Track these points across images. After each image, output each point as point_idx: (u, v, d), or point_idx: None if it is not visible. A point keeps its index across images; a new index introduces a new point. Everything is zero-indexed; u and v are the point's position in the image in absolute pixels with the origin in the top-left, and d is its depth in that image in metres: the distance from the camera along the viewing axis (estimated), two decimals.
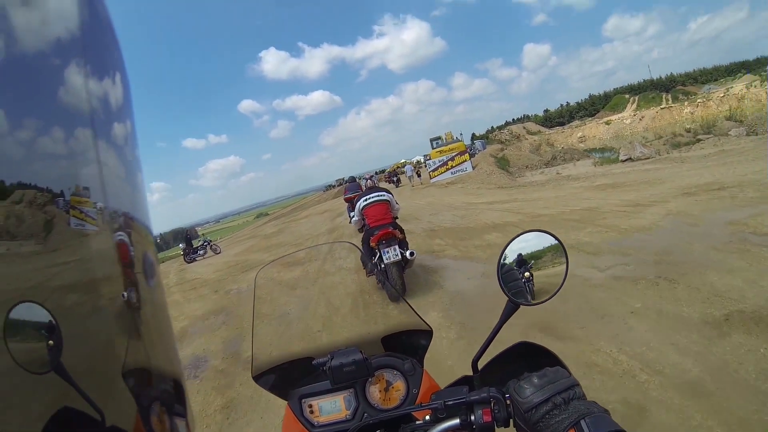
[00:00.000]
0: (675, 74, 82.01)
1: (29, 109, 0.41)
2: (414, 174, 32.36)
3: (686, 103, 59.61)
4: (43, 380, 0.43)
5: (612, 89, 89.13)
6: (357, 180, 15.10)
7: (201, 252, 18.78)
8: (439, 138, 30.80)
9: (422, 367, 1.13)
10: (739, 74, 72.79)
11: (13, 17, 0.39)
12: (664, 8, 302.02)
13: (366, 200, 5.56)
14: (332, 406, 1.08)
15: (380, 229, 5.08)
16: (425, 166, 28.63)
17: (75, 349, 0.45)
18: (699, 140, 17.09)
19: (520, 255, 0.92)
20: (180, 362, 0.79)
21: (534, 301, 0.92)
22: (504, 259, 0.92)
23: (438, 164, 27.59)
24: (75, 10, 0.48)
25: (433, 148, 29.96)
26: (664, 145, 18.30)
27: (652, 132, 52.81)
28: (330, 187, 77.34)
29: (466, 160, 27.50)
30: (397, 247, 4.99)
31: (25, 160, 0.41)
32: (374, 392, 1.07)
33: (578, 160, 24.73)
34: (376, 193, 5.64)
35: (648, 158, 16.46)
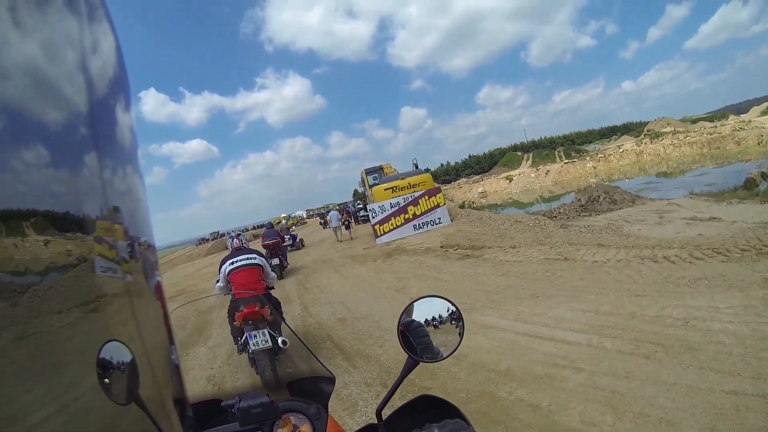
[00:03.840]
0: (554, 137, 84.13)
1: (29, 124, 0.37)
2: (340, 225, 18.71)
3: (588, 158, 58.48)
4: (123, 410, 0.46)
5: (492, 150, 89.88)
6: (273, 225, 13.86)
7: None
8: (378, 169, 17.65)
9: (327, 411, 1.12)
10: (614, 137, 76.81)
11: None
12: (531, 82, 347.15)
13: (232, 263, 4.30)
14: None
15: (246, 305, 3.83)
16: (368, 214, 14.71)
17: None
18: None
19: (422, 317, 1.00)
20: (183, 379, 0.73)
21: (432, 359, 0.99)
22: (405, 320, 1.00)
23: (389, 211, 14.34)
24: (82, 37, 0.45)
25: (369, 185, 16.77)
26: None
27: (559, 186, 51.29)
28: (203, 240, 61.98)
29: (440, 205, 14.73)
30: (266, 331, 3.71)
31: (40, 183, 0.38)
32: None
33: (638, 203, 13.82)
34: (245, 255, 4.37)
35: None
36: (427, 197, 14.37)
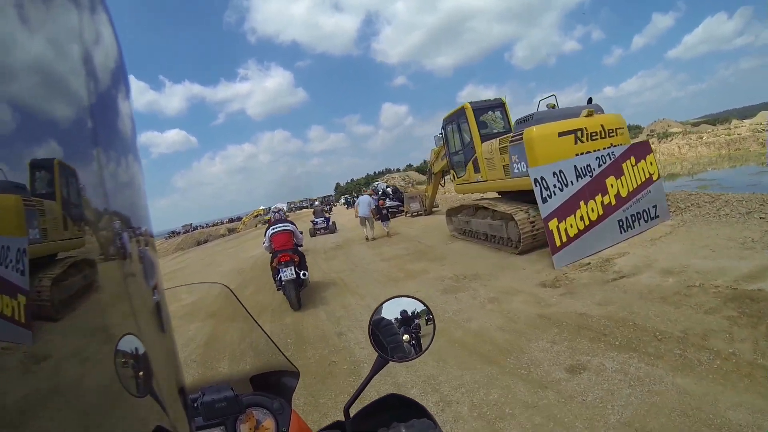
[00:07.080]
0: None
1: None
2: (370, 212, 11.92)
3: None
4: (138, 402, 0.47)
5: None
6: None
7: None
8: (498, 105, 9.15)
9: (291, 406, 1.07)
10: None
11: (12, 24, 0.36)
12: (514, 83, 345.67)
13: (273, 229, 6.42)
14: None
15: (281, 253, 6.07)
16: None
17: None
18: None
19: (392, 316, 0.97)
20: (181, 369, 0.70)
21: (403, 359, 0.96)
22: (376, 319, 0.97)
23: (575, 185, 6.05)
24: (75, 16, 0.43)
25: (479, 133, 8.71)
26: None
27: None
28: (174, 233, 54.06)
29: (653, 178, 6.86)
30: (293, 267, 5.95)
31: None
32: (244, 430, 0.99)
33: None
34: (282, 224, 6.49)
35: None
36: (633, 160, 6.62)
